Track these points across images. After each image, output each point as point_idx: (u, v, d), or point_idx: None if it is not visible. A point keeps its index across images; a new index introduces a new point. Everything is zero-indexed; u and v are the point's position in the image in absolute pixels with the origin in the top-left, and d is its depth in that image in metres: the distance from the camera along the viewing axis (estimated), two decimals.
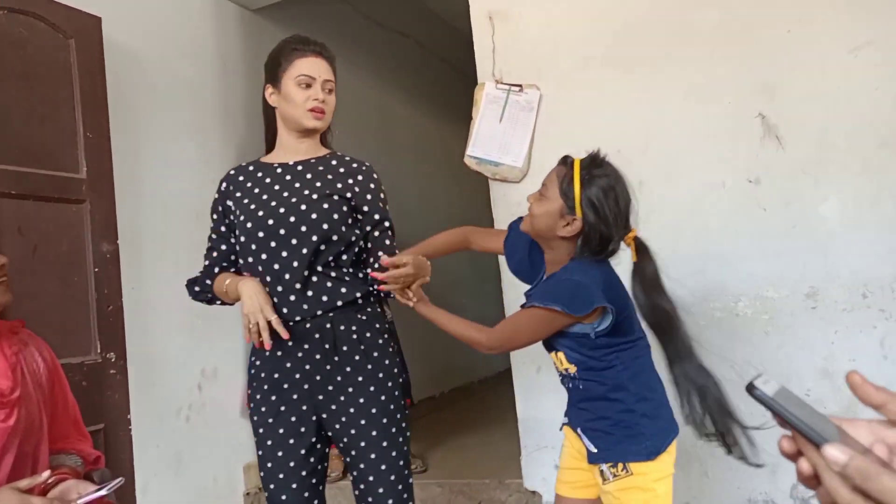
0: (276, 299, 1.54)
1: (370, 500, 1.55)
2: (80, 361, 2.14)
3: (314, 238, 1.54)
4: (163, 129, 2.80)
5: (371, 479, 1.54)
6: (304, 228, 1.54)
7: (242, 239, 1.58)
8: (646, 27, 2.38)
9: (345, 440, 1.55)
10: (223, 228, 1.66)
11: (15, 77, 2.09)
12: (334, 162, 1.65)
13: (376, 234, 1.64)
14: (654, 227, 2.35)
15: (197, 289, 1.68)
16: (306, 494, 1.58)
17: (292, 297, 1.54)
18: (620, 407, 1.46)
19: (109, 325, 2.24)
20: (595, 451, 1.48)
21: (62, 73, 2.23)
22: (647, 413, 1.47)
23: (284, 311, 1.54)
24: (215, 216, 1.68)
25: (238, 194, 1.63)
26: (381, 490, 1.53)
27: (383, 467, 1.54)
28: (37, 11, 2.17)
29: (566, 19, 2.49)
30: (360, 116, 4.29)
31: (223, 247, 1.66)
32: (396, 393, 1.59)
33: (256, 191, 1.61)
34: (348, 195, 1.59)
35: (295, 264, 1.54)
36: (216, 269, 1.66)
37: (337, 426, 1.55)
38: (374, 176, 1.67)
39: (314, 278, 1.55)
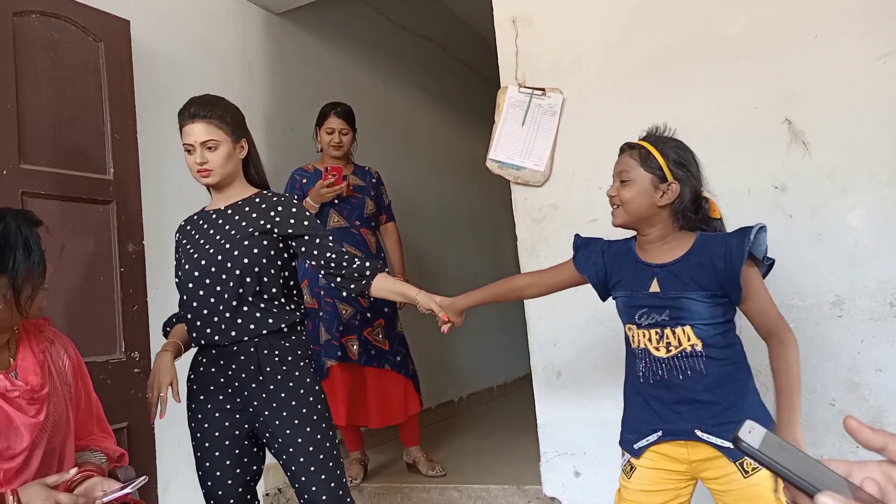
0: (208, 328, 1.77)
1: (306, 497, 1.74)
2: (105, 360, 2.17)
3: (237, 272, 1.74)
4: None
5: (303, 478, 1.73)
6: (229, 264, 1.75)
7: (180, 276, 1.83)
8: (672, 32, 2.37)
9: (275, 447, 1.76)
10: (178, 271, 1.88)
11: (45, 79, 2.13)
12: (258, 200, 1.85)
13: (316, 243, 1.81)
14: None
15: (166, 326, 1.94)
16: (240, 490, 1.80)
17: (222, 325, 1.76)
18: (747, 389, 1.46)
19: (134, 324, 2.27)
20: (732, 446, 1.42)
21: (91, 75, 2.27)
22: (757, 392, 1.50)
23: (216, 337, 1.76)
24: (176, 262, 1.90)
25: (184, 241, 1.87)
26: (313, 488, 1.72)
27: (312, 468, 1.73)
28: (67, 15, 2.21)
29: (590, 24, 2.49)
30: (383, 120, 4.31)
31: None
32: (319, 406, 1.79)
33: (195, 235, 1.85)
34: (269, 227, 1.79)
35: (225, 296, 1.75)
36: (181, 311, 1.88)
37: (267, 435, 1.77)
38: (294, 201, 1.86)
39: (244, 307, 1.76)
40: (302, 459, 1.73)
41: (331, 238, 1.83)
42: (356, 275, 1.79)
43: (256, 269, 1.76)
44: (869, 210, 2.12)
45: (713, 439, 1.41)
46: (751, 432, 0.54)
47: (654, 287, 1.50)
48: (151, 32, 2.64)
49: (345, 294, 2.84)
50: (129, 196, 2.32)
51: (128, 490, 1.44)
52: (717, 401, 1.43)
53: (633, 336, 1.54)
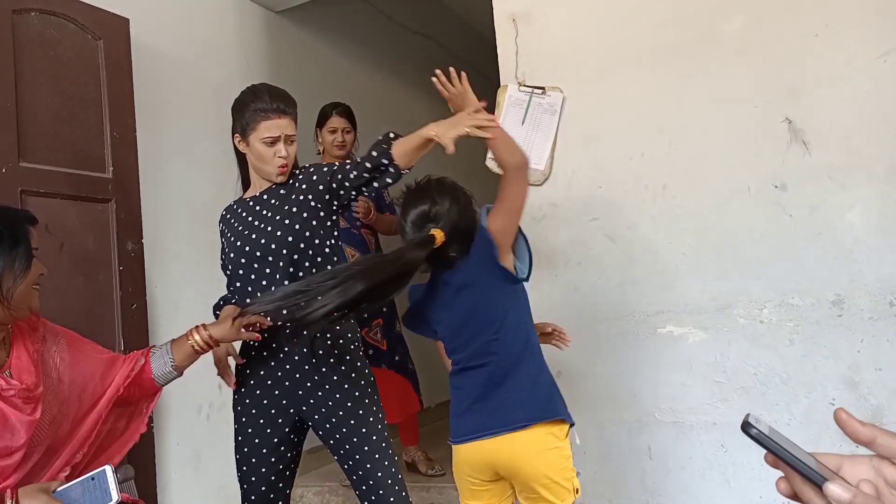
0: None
1: (371, 482, 1.74)
2: None
3: (284, 251, 1.75)
4: (187, 129, 2.83)
5: (368, 466, 1.74)
6: (273, 245, 1.75)
7: (229, 269, 1.83)
8: (671, 30, 2.36)
9: (326, 427, 1.75)
10: (223, 258, 1.90)
11: (45, 77, 2.13)
12: (290, 180, 1.84)
13: (339, 178, 1.77)
14: (676, 233, 2.34)
15: (215, 311, 1.95)
16: (273, 478, 1.79)
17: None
18: None
19: (133, 322, 2.27)
20: None
21: (90, 73, 2.26)
22: None
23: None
24: (221, 248, 1.92)
25: (227, 231, 1.87)
26: (379, 474, 1.74)
27: (366, 448, 1.73)
28: (67, 13, 2.20)
29: (590, 22, 2.48)
30: (382, 119, 4.30)
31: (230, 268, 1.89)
32: (369, 389, 1.80)
33: (236, 224, 1.85)
34: (302, 197, 1.78)
35: (276, 276, 1.75)
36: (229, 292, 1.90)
37: (316, 417, 1.75)
38: (307, 165, 1.86)
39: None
40: (365, 447, 1.73)
41: (347, 163, 1.80)
42: (374, 165, 1.73)
43: (302, 245, 1.76)
44: (868, 208, 2.12)
45: None
46: (758, 422, 0.54)
47: None
48: (151, 30, 2.63)
49: None
50: (128, 194, 2.32)
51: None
52: None
53: None
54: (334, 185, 1.78)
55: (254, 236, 1.78)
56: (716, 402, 2.26)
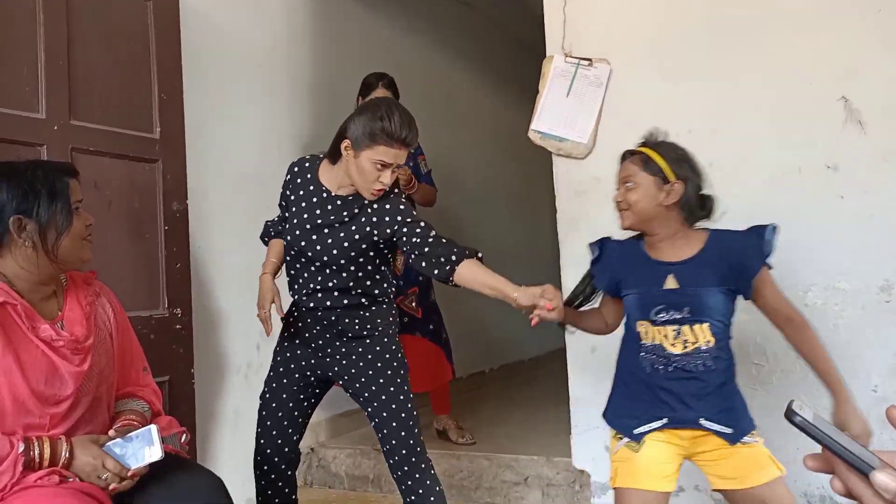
0: (304, 291, 1.90)
1: (385, 431, 1.89)
2: (149, 315, 2.22)
3: (334, 267, 1.85)
4: (232, 93, 2.85)
5: (394, 424, 1.87)
6: (326, 258, 1.85)
7: (287, 238, 1.91)
8: (726, 4, 2.29)
9: (356, 386, 1.91)
10: (283, 203, 1.99)
11: (96, 39, 2.16)
12: (367, 199, 1.85)
13: (405, 231, 1.80)
14: (721, 211, 2.29)
15: (264, 236, 2.07)
16: (291, 404, 1.96)
17: (317, 295, 1.89)
18: (735, 382, 1.61)
19: (177, 281, 2.32)
20: (731, 431, 1.52)
21: (140, 35, 2.29)
22: None
23: (311, 304, 1.90)
24: (282, 191, 2.00)
25: (293, 197, 1.93)
26: (394, 424, 1.87)
27: (393, 406, 1.87)
28: None
29: None
30: (424, 89, 4.28)
31: (286, 213, 1.98)
32: (396, 363, 1.92)
33: (303, 205, 1.90)
34: (368, 230, 1.83)
35: (324, 275, 1.87)
36: (280, 227, 2.00)
37: (346, 377, 1.91)
38: (391, 197, 1.86)
39: (339, 290, 1.87)
40: (384, 397, 1.88)
41: (421, 224, 1.80)
42: (441, 259, 1.74)
43: (353, 268, 1.87)
44: None
45: (717, 427, 1.52)
46: (802, 409, 0.53)
47: (671, 283, 1.56)
48: None
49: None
50: (174, 156, 2.35)
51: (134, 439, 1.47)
52: (719, 393, 1.55)
53: (645, 332, 1.59)
54: (396, 239, 1.82)
55: (314, 237, 1.86)
56: (755, 385, 2.22)
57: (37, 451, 1.35)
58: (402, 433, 1.89)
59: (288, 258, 1.95)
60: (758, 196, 2.24)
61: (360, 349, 1.91)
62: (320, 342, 1.92)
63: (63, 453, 1.38)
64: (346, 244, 1.84)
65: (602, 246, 1.72)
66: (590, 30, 2.48)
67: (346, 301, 1.89)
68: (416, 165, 3.10)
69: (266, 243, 2.06)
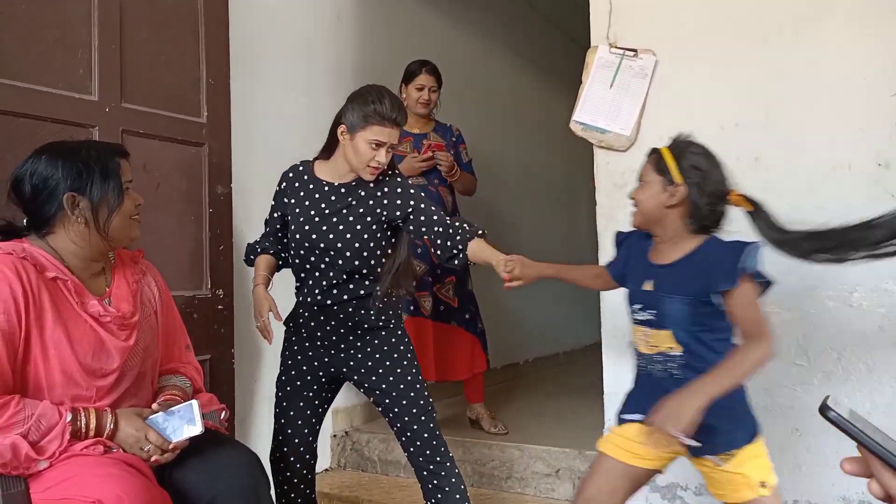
0: (316, 290, 1.93)
1: (408, 434, 1.95)
2: (193, 295, 2.28)
3: (347, 254, 1.88)
4: (277, 79, 2.89)
5: (406, 418, 1.93)
6: (339, 245, 1.88)
7: (292, 244, 1.95)
8: None
9: (365, 385, 1.96)
10: (276, 215, 2.03)
11: (147, 23, 2.21)
12: (371, 183, 1.91)
13: (421, 220, 1.89)
14: (768, 208, 2.24)
15: (249, 255, 2.09)
16: (306, 430, 1.99)
17: (331, 290, 1.92)
18: (733, 398, 1.48)
19: (220, 263, 2.37)
20: (699, 445, 1.43)
21: (189, 20, 2.33)
22: (744, 397, 1.56)
23: (319, 297, 1.93)
24: (274, 203, 2.05)
25: (293, 200, 1.97)
26: (414, 411, 1.93)
27: (412, 394, 1.93)
28: None
29: None
30: (465, 77, 4.27)
31: (276, 225, 2.04)
32: (409, 355, 1.98)
33: (306, 203, 1.94)
34: (378, 211, 1.90)
35: (334, 268, 1.90)
36: (266, 243, 2.06)
37: (356, 377, 1.96)
38: (398, 180, 1.94)
39: (351, 281, 1.92)
40: (394, 393, 1.94)
41: (434, 214, 1.90)
42: (449, 244, 1.86)
43: (365, 254, 1.90)
44: None
45: (680, 436, 1.36)
46: (837, 405, 0.52)
47: (648, 286, 1.59)
48: None
49: (419, 251, 2.88)
50: (220, 140, 2.40)
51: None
52: None
53: (631, 327, 1.65)
54: (407, 225, 1.91)
55: (324, 227, 1.90)
56: (794, 386, 2.18)
57: (83, 422, 1.40)
58: (422, 419, 1.95)
59: (297, 261, 1.98)
60: (805, 192, 2.19)
61: (376, 341, 1.95)
62: (334, 338, 1.96)
63: (108, 424, 1.43)
64: (358, 227, 1.89)
65: (625, 237, 1.76)
66: (635, 20, 2.44)
67: (361, 291, 1.93)
68: (457, 154, 3.10)
69: (252, 263, 2.08)
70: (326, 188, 1.94)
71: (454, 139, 3.13)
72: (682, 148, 1.57)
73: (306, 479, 2.03)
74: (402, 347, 1.98)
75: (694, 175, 1.53)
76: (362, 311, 1.94)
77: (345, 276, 1.91)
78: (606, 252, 2.49)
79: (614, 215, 2.47)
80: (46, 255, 1.47)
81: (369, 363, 1.95)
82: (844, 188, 2.14)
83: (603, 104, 2.44)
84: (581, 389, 3.76)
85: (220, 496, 1.49)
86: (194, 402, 1.51)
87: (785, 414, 2.20)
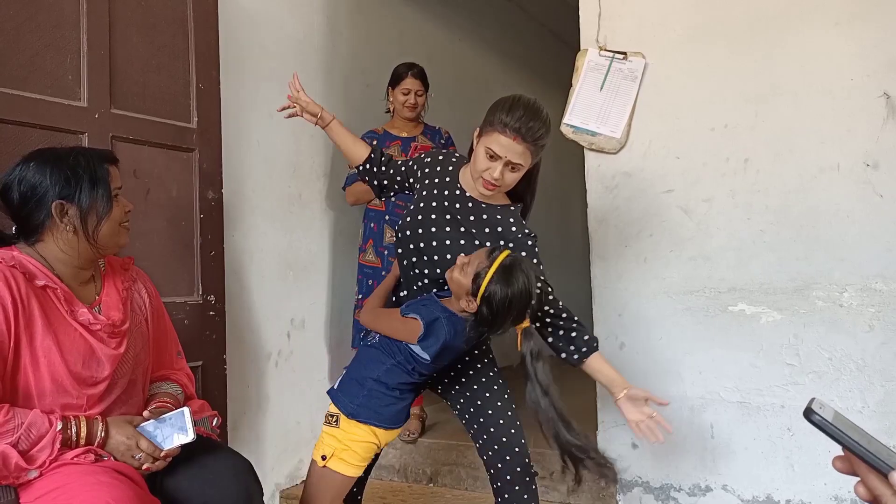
0: (408, 284, 1.88)
1: (504, 439, 1.84)
2: (184, 301, 2.27)
3: (446, 266, 1.75)
4: (268, 84, 2.88)
5: (501, 421, 1.85)
6: (449, 255, 1.76)
7: (408, 220, 1.84)
8: None
9: (461, 401, 1.90)
10: (402, 168, 1.95)
11: (136, 27, 2.20)
12: (500, 216, 1.82)
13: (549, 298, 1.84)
14: (756, 209, 2.26)
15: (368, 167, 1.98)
16: None
17: (408, 285, 1.87)
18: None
19: (211, 269, 2.36)
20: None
21: (179, 25, 2.32)
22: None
23: (403, 293, 1.89)
24: (413, 163, 1.94)
25: (426, 181, 1.88)
26: (512, 431, 1.86)
27: (509, 413, 1.88)
28: None
29: None
30: (456, 80, 4.28)
31: (392, 172, 1.96)
32: (492, 355, 1.98)
33: (434, 192, 1.85)
34: (489, 244, 1.76)
35: (432, 272, 1.81)
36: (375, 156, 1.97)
37: (452, 392, 1.92)
38: (528, 243, 1.82)
39: (440, 280, 1.81)
40: (491, 406, 1.89)
41: (551, 293, 1.80)
42: (572, 347, 1.84)
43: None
44: None
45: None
46: (823, 408, 0.53)
47: None
48: None
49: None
50: (210, 145, 2.39)
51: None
52: None
53: None
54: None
55: (432, 229, 1.80)
56: (786, 385, 2.19)
57: (74, 430, 1.39)
58: (522, 442, 1.87)
59: (399, 249, 1.87)
60: (794, 193, 2.21)
61: (468, 359, 1.90)
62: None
63: (99, 433, 1.42)
64: (463, 242, 1.78)
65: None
66: (625, 23, 2.46)
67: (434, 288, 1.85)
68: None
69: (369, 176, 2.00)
70: (458, 193, 1.84)
71: (443, 141, 3.14)
72: (503, 278, 1.60)
73: (360, 480, 1.98)
74: (497, 369, 1.96)
75: (487, 307, 1.62)
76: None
77: (434, 290, 1.83)
78: (597, 253, 2.50)
79: (605, 218, 2.48)
80: (36, 263, 1.46)
81: (464, 378, 1.89)
82: (833, 188, 2.16)
83: (593, 107, 2.45)
84: (574, 391, 3.74)
85: (212, 503, 1.48)
86: (186, 410, 1.50)
87: (777, 413, 2.21)
